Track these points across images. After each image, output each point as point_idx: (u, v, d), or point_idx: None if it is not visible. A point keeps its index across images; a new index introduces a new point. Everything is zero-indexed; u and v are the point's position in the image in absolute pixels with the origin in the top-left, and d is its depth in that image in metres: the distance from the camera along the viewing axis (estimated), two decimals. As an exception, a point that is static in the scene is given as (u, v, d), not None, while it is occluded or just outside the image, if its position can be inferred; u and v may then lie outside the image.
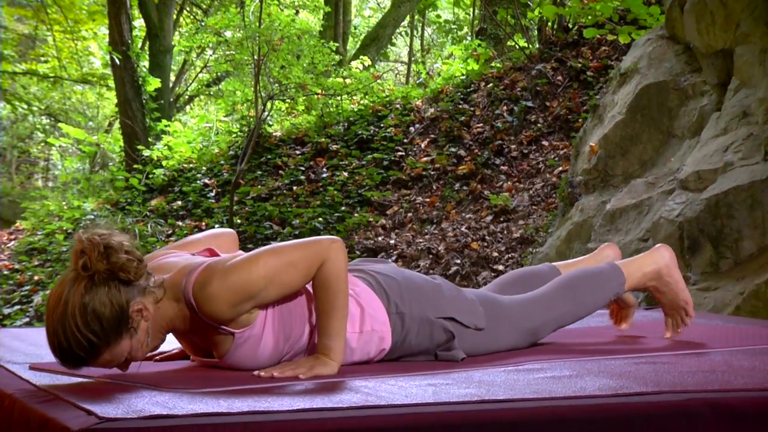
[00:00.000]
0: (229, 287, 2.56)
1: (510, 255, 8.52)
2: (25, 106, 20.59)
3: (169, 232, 10.78)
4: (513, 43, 12.20)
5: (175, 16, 17.69)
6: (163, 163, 12.39)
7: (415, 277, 3.06)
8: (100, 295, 2.47)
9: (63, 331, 2.44)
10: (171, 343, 3.17)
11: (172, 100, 17.72)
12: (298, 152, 11.78)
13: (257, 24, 11.68)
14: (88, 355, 2.47)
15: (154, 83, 14.27)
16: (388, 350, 2.91)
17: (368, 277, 2.98)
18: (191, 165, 12.27)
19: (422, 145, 10.70)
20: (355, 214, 10.13)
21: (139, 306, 2.53)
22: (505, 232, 8.89)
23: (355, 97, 12.95)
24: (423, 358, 2.96)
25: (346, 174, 10.95)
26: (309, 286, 2.75)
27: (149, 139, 13.70)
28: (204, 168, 12.05)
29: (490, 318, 3.05)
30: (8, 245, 11.52)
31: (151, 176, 12.08)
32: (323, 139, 11.76)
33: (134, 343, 2.55)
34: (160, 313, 2.61)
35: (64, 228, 11.22)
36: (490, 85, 11.09)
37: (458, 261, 8.54)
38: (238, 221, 10.49)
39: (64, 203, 12.98)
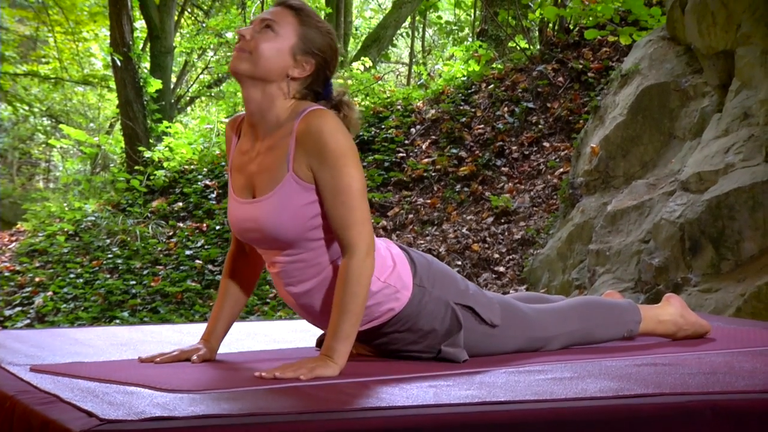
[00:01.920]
0: (343, 133, 2.74)
1: (511, 256, 8.52)
2: (26, 108, 20.61)
3: (170, 233, 10.79)
4: (514, 45, 12.20)
5: (176, 18, 17.69)
6: (164, 164, 12.39)
7: (443, 264, 3.08)
8: (333, 51, 2.89)
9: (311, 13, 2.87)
10: (173, 345, 3.17)
11: (173, 101, 17.72)
12: (299, 153, 11.76)
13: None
14: (303, 11, 2.84)
15: (155, 84, 14.28)
16: (397, 314, 2.89)
17: (403, 249, 3.00)
18: (192, 166, 12.27)
19: (423, 147, 10.70)
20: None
21: (308, 66, 2.82)
22: (506, 233, 8.89)
23: (356, 98, 12.95)
24: (427, 343, 2.94)
25: (347, 175, 10.91)
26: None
27: (150, 141, 13.70)
28: (205, 169, 12.05)
29: (504, 318, 3.06)
30: (9, 247, 11.52)
31: (152, 177, 12.08)
32: (324, 141, 11.72)
33: (284, 48, 2.80)
34: (283, 93, 2.81)
35: (65, 229, 11.22)
36: (491, 86, 11.09)
37: (459, 262, 8.54)
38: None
39: (65, 205, 12.98)
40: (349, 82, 13.19)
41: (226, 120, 14.54)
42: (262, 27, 2.80)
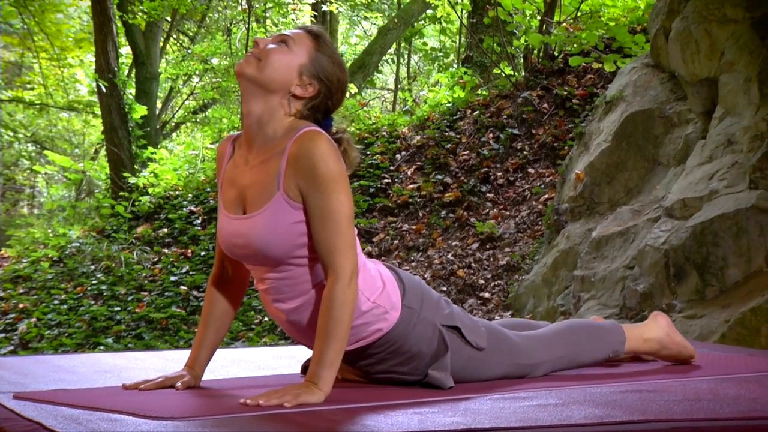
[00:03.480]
0: (335, 158, 2.74)
1: (496, 282, 8.52)
2: (11, 134, 20.58)
3: (155, 259, 10.76)
4: (499, 71, 12.24)
5: (161, 44, 17.72)
6: (149, 190, 12.37)
7: (429, 287, 3.09)
8: (341, 85, 2.94)
9: (327, 39, 2.93)
10: (157, 372, 3.16)
11: (158, 127, 17.73)
12: (284, 179, 11.76)
13: (244, 51, 11.70)
14: (321, 38, 2.90)
15: (140, 110, 14.27)
16: (385, 334, 2.89)
17: (392, 270, 3.01)
18: (177, 192, 12.25)
19: (408, 173, 10.71)
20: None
21: (312, 90, 2.86)
22: (491, 259, 8.90)
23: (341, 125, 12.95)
24: (414, 365, 2.93)
25: (332, 201, 10.91)
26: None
27: (135, 167, 13.68)
28: (190, 195, 12.03)
29: (490, 343, 3.06)
30: (-7, 273, 11.48)
31: (137, 203, 12.05)
32: (310, 167, 11.72)
33: (293, 64, 2.84)
34: (284, 111, 2.84)
35: (50, 255, 11.19)
36: (476, 112, 11.11)
37: (444, 288, 8.54)
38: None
39: (49, 231, 12.95)
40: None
41: (213, 146, 14.50)
42: (279, 41, 2.85)
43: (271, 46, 2.84)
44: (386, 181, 10.75)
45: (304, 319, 2.86)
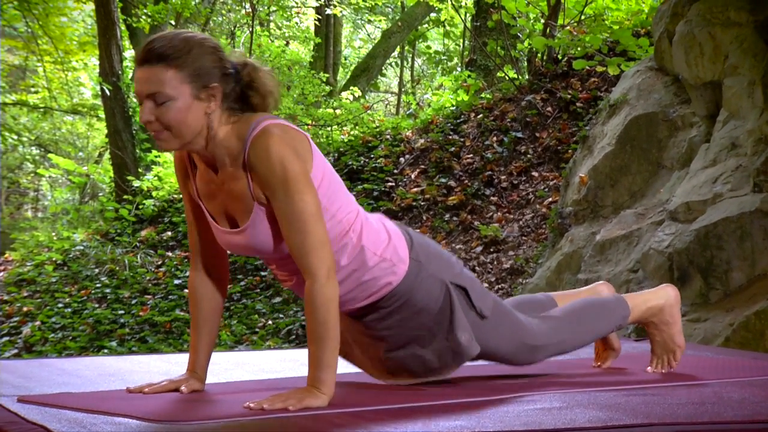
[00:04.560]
0: (289, 156, 2.67)
1: (500, 286, 8.52)
2: (15, 137, 20.59)
3: (159, 262, 10.77)
4: (503, 74, 12.24)
5: (165, 47, 17.70)
6: (153, 193, 12.38)
7: (440, 246, 3.10)
8: (220, 59, 2.74)
9: (183, 34, 2.72)
10: (161, 375, 3.16)
11: (162, 130, 17.70)
12: (288, 183, 11.76)
13: (248, 55, 11.70)
14: (166, 56, 2.65)
15: (144, 114, 14.26)
16: (394, 288, 2.90)
17: (398, 225, 3.02)
18: (181, 196, 12.26)
19: (412, 176, 10.71)
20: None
21: (217, 95, 2.72)
22: (495, 262, 8.89)
23: (345, 128, 12.97)
24: (419, 321, 2.94)
25: (336, 205, 10.93)
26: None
27: (139, 170, 13.70)
28: (194, 198, 12.02)
29: (495, 314, 3.05)
30: (-3, 276, 11.49)
31: (141, 207, 12.06)
32: (313, 170, 11.74)
33: (185, 100, 2.66)
34: (216, 128, 2.73)
35: (54, 259, 11.20)
36: (480, 116, 11.11)
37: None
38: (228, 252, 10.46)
39: (53, 234, 12.95)
40: (338, 111, 13.21)
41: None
42: (151, 99, 2.67)
43: (149, 106, 2.68)
44: (390, 184, 10.75)
45: None
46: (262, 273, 10.06)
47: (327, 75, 14.12)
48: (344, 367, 2.78)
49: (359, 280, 2.87)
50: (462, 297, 2.98)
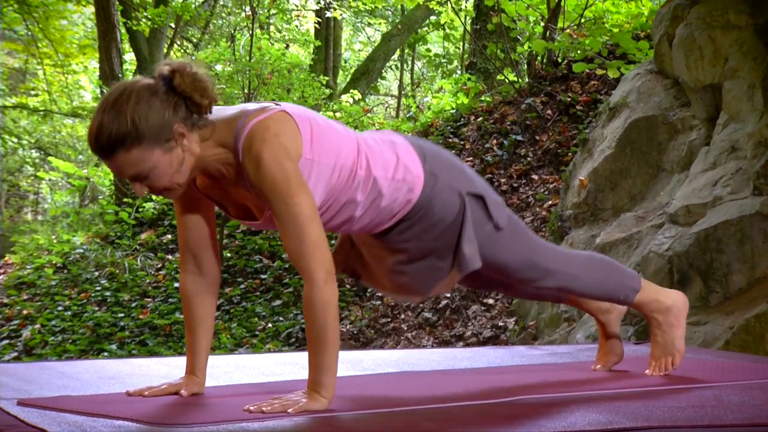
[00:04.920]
0: (277, 160, 2.64)
1: (500, 289, 8.51)
2: (15, 140, 20.60)
3: (159, 265, 10.77)
4: (503, 77, 12.25)
5: (165, 50, 17.72)
6: (153, 197, 12.39)
7: (454, 156, 3.10)
8: (158, 101, 2.61)
9: (112, 111, 2.57)
10: (161, 378, 3.16)
11: (162, 133, 17.71)
12: (288, 186, 11.77)
13: (248, 58, 11.72)
14: (118, 143, 2.57)
15: (144, 117, 14.26)
16: (414, 204, 2.91)
17: (408, 139, 3.01)
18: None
19: (412, 179, 10.70)
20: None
21: (183, 131, 2.64)
22: (495, 265, 8.88)
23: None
24: (436, 234, 2.95)
25: (336, 208, 10.94)
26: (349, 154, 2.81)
27: (139, 173, 13.67)
28: (194, 201, 12.03)
29: (511, 227, 3.07)
30: (-3, 279, 11.49)
31: (140, 210, 12.07)
32: (313, 173, 11.75)
33: (163, 161, 2.62)
34: (200, 151, 2.70)
35: (54, 262, 11.20)
36: (480, 118, 11.11)
37: (448, 295, 8.53)
38: (228, 255, 10.48)
39: (53, 237, 12.95)
40: (338, 114, 13.21)
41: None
42: (138, 179, 2.67)
43: (137, 184, 2.68)
44: (390, 187, 10.74)
45: (349, 230, 2.96)
46: (262, 276, 10.06)
47: (327, 78, 14.12)
48: (347, 370, 2.77)
49: (379, 207, 2.89)
50: (478, 207, 2.99)
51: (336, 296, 2.66)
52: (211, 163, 2.74)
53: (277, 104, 2.77)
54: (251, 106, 2.78)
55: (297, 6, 18.19)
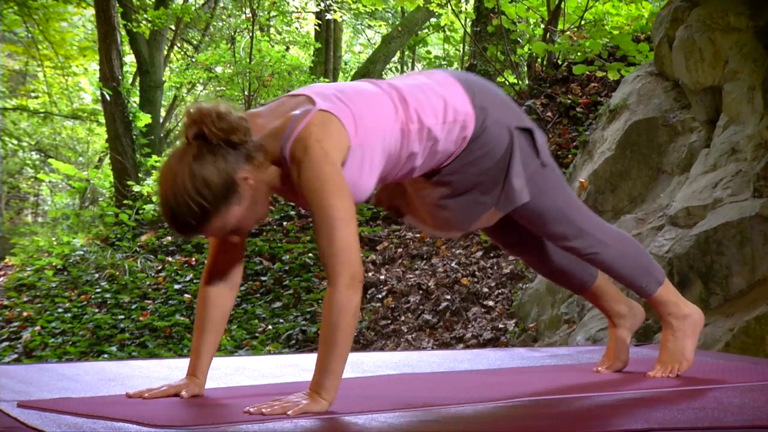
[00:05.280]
0: (319, 163, 2.67)
1: (500, 290, 8.51)
2: (15, 142, 20.60)
3: (159, 267, 10.77)
4: (503, 80, 12.25)
5: (165, 52, 17.74)
6: (153, 198, 12.39)
7: (502, 91, 3.14)
8: (208, 163, 2.62)
9: (175, 200, 2.62)
10: (161, 380, 3.16)
11: (162, 135, 17.75)
12: (288, 188, 11.78)
13: (248, 60, 11.73)
14: (199, 222, 2.65)
15: (144, 119, 14.29)
16: (470, 138, 2.94)
17: (453, 73, 3.04)
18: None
19: (412, 181, 10.70)
20: (346, 250, 10.10)
21: (245, 174, 2.68)
22: (495, 267, 8.89)
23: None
24: (485, 167, 2.98)
25: (336, 209, 10.95)
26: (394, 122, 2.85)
27: (139, 175, 13.70)
28: (194, 203, 12.03)
29: (553, 171, 3.13)
30: (-3, 281, 11.49)
31: (141, 212, 12.07)
32: (313, 175, 11.76)
33: (243, 210, 2.70)
34: (263, 177, 2.74)
35: (54, 264, 11.20)
36: (480, 121, 11.10)
37: (448, 297, 8.53)
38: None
39: (53, 239, 12.96)
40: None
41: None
42: (230, 234, 2.79)
43: (230, 239, 2.85)
44: (390, 189, 10.74)
45: (414, 176, 3.02)
46: (263, 278, 10.06)
47: (327, 80, 14.12)
48: (347, 372, 2.77)
49: (437, 151, 2.93)
50: (526, 142, 3.02)
51: (355, 303, 2.64)
52: (274, 179, 2.79)
53: (313, 101, 2.79)
54: (291, 108, 2.80)
55: (297, 8, 18.19)
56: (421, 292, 8.80)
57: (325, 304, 2.65)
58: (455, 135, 2.93)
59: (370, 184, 2.84)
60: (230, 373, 3.57)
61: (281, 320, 9.20)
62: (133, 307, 9.88)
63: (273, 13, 17.11)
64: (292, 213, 11.18)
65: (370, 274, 9.44)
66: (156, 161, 13.63)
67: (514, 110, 3.06)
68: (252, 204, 2.72)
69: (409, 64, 21.59)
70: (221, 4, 19.33)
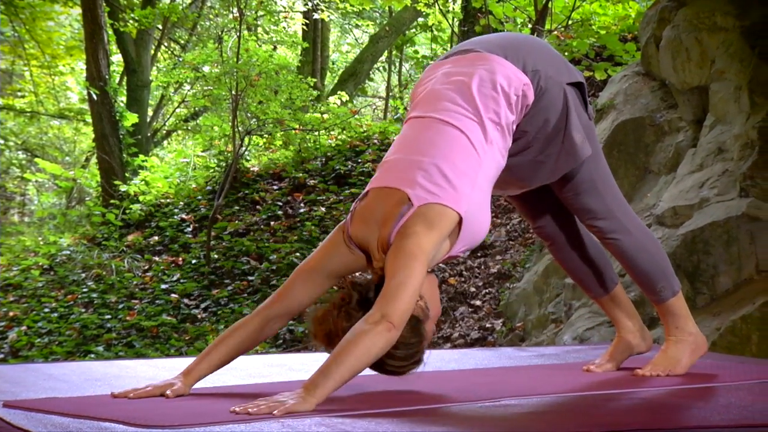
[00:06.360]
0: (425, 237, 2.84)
1: (487, 290, 8.52)
2: (2, 141, 20.54)
3: (146, 267, 10.74)
4: (490, 79, 12.22)
5: (152, 52, 17.71)
6: (140, 198, 12.37)
7: (551, 47, 3.18)
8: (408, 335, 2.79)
9: (395, 365, 2.85)
10: (147, 380, 3.16)
11: (149, 135, 17.70)
12: (275, 187, 11.78)
13: (235, 59, 11.69)
14: (417, 358, 2.88)
15: (131, 118, 14.26)
16: (532, 102, 2.98)
17: (483, 45, 3.09)
18: (168, 200, 12.24)
19: (400, 181, 10.69)
20: (333, 250, 10.08)
21: (421, 304, 2.87)
22: (483, 267, 8.89)
23: (332, 133, 12.96)
24: (542, 122, 3.02)
25: (323, 209, 10.95)
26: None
27: (126, 174, 13.66)
28: (181, 203, 12.02)
29: (595, 141, 3.18)
30: (-17, 281, 11.46)
31: (128, 211, 12.04)
32: (301, 174, 11.77)
33: (425, 318, 2.88)
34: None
35: (40, 263, 11.17)
36: (468, 120, 11.11)
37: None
38: (215, 256, 10.46)
39: (40, 239, 12.93)
40: (326, 116, 13.20)
41: (203, 153, 14.44)
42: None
43: None
44: (377, 189, 10.73)
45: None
46: (250, 278, 10.05)
47: (314, 79, 14.09)
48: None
49: (519, 129, 3.01)
50: (576, 97, 3.07)
51: (380, 346, 2.67)
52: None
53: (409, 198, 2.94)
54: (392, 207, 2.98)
55: (284, 8, 18.16)
56: (408, 291, 8.80)
57: (358, 325, 2.67)
58: (521, 107, 2.97)
59: (487, 218, 2.92)
60: (217, 372, 3.57)
61: (268, 320, 9.18)
62: (120, 306, 9.86)
63: (260, 13, 17.07)
64: (280, 213, 11.17)
65: (357, 273, 9.42)
66: (143, 160, 13.60)
67: (563, 63, 3.10)
68: (429, 307, 2.97)
69: (397, 64, 21.58)
70: (208, 4, 19.30)
